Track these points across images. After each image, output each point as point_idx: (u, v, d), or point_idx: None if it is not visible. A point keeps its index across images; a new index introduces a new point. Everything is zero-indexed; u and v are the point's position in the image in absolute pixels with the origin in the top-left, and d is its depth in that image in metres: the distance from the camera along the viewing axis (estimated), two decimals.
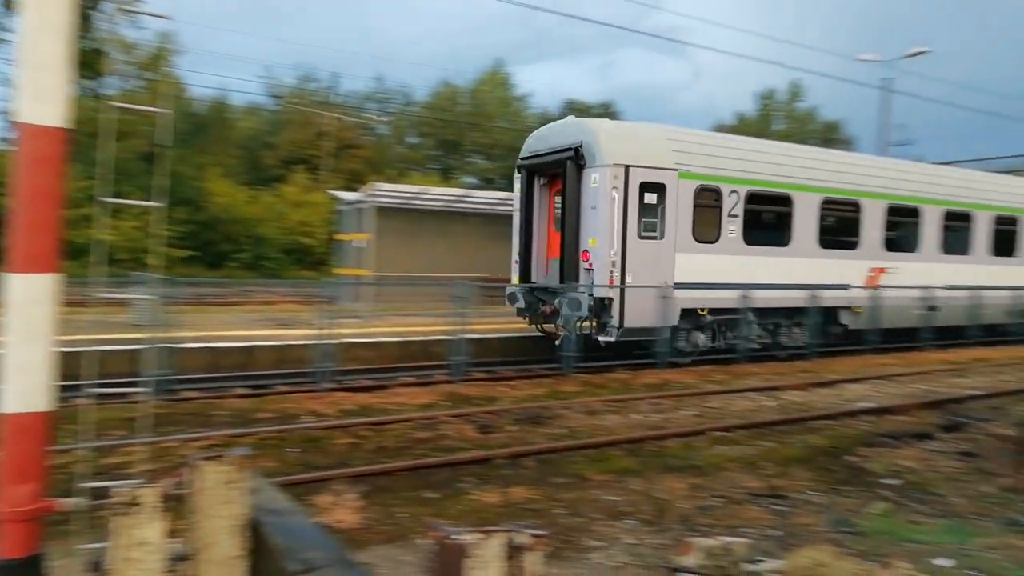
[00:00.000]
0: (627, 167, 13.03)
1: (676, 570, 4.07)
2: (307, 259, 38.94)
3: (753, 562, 4.81)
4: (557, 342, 13.62)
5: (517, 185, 15.04)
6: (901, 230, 17.46)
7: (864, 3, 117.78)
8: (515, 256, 15.08)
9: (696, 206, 13.97)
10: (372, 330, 14.96)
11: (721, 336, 14.86)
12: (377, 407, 10.14)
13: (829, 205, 16.02)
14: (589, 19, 72.84)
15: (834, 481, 8.00)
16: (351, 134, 46.64)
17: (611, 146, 13.17)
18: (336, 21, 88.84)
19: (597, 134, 13.31)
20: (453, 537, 1.27)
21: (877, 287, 16.69)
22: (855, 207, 16.46)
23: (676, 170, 13.63)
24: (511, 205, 22.19)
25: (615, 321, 13.05)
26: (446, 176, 52.38)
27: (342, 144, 44.28)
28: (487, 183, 53.35)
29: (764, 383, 12.68)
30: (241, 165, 45.25)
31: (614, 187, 12.90)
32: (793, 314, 15.64)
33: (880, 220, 16.82)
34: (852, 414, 10.56)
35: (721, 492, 7.24)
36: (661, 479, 7.38)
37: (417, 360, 13.80)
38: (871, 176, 17.06)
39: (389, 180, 38.04)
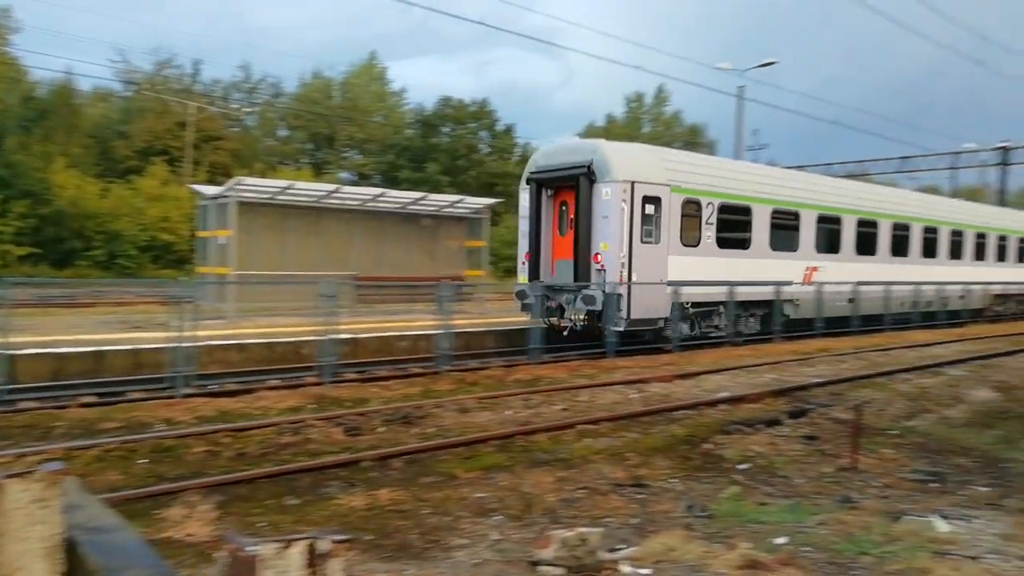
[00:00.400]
0: (633, 183, 15.07)
1: (535, 563, 4.13)
2: (167, 257, 36.70)
3: (611, 550, 4.96)
4: (565, 333, 15.73)
5: (525, 196, 16.60)
6: (827, 235, 20.16)
7: (723, 15, 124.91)
8: (522, 259, 16.82)
9: (683, 216, 16.19)
10: (237, 331, 14.29)
11: (698, 325, 16.98)
12: (239, 412, 9.68)
13: (777, 215, 18.47)
14: (464, 17, 73.14)
15: (692, 468, 8.40)
16: (215, 125, 44.38)
17: (620, 165, 15.13)
18: (201, 2, 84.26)
19: (607, 154, 15.27)
20: (247, 549, 1.19)
21: (811, 283, 19.42)
22: (795, 216, 19.06)
23: (668, 185, 15.79)
24: (386, 200, 21.99)
25: (624, 313, 15.10)
26: (319, 171, 50.90)
27: (204, 135, 42.06)
28: (362, 179, 52.38)
29: (631, 376, 13.15)
30: (91, 155, 41.96)
31: (623, 200, 14.89)
32: (750, 306, 18.00)
33: (813, 227, 19.52)
34: (710, 404, 11.13)
35: (587, 484, 7.42)
36: (529, 474, 7.48)
37: (286, 362, 13.31)
38: (806, 190, 19.75)
39: (258, 174, 36.51)
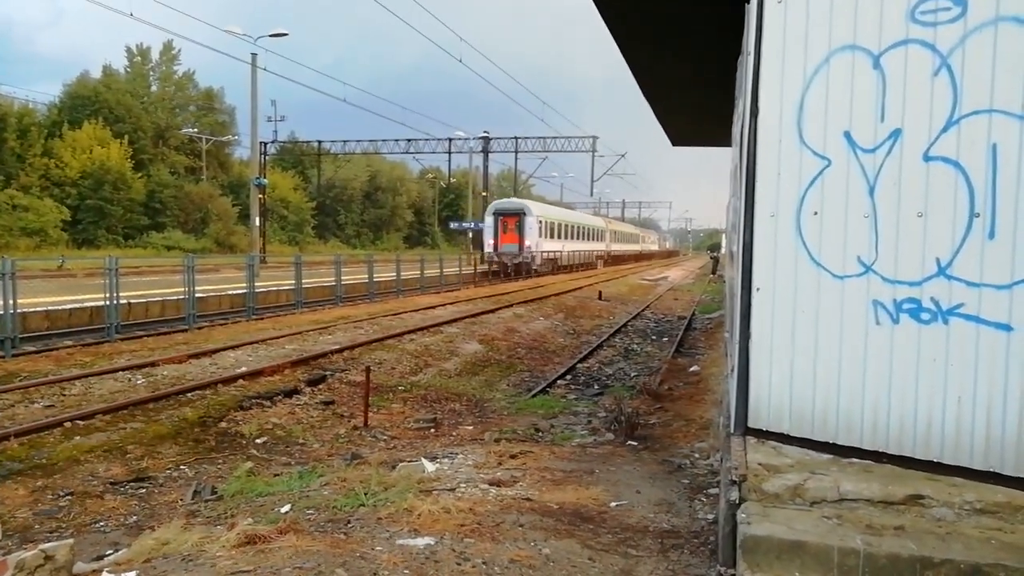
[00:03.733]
0: (537, 216, 40.08)
1: None
2: None
3: (98, 558, 4.32)
4: (509, 271, 37.66)
5: (491, 219, 39.60)
6: (573, 232, 49.12)
7: None
8: (489, 243, 39.27)
9: (548, 228, 42.44)
10: None
11: (551, 266, 42.49)
12: None
13: (563, 226, 46.42)
14: None
15: (205, 451, 7.93)
16: None
17: (533, 210, 40.61)
18: None
19: (528, 206, 41.08)
20: None
21: (566, 251, 46.57)
22: (566, 226, 47.48)
23: (544, 217, 42.21)
24: None
25: (534, 263, 39.23)
26: None
27: None
28: None
29: (137, 360, 11.83)
30: None
31: (535, 223, 39.46)
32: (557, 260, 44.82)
33: (574, 231, 49.46)
34: (227, 381, 10.65)
35: (74, 488, 6.40)
36: None
37: None
38: (569, 216, 51.84)
39: None
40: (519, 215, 39.21)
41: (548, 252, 41.95)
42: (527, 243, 38.80)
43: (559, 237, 44.92)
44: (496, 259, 38.26)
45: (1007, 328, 3.81)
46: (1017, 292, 3.79)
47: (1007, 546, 3.48)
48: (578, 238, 50.46)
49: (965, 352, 3.89)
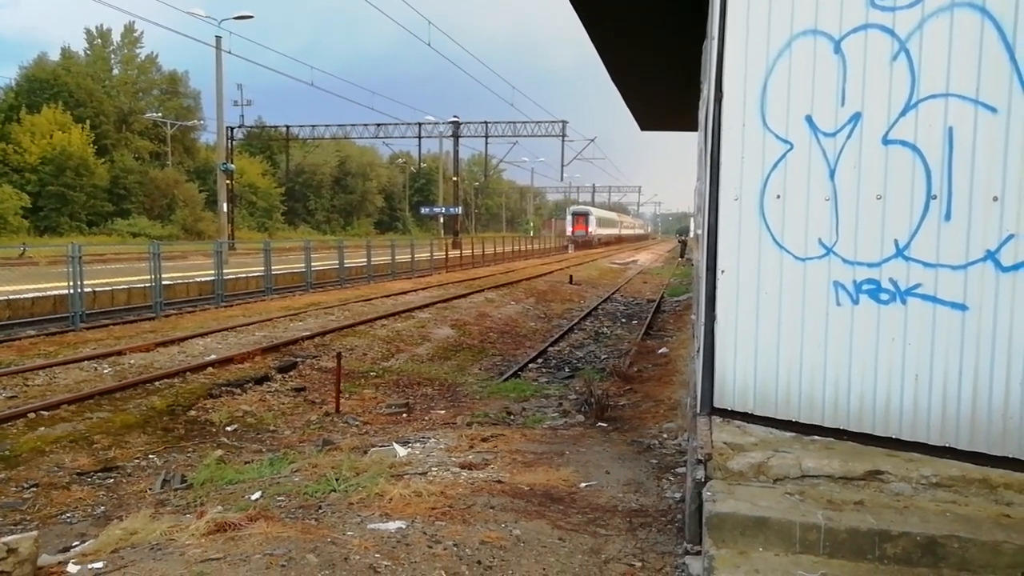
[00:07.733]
0: (595, 215, 78.79)
1: None
2: None
3: (64, 550, 4.28)
4: (580, 245, 70.58)
5: (570, 217, 76.00)
6: (608, 224, 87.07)
7: None
8: (568, 230, 73.70)
9: (601, 221, 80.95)
10: None
11: (598, 243, 77.23)
12: None
13: (607, 220, 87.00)
14: None
15: (174, 439, 7.86)
16: None
17: (593, 212, 79.55)
18: None
19: (591, 210, 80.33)
20: None
21: (605, 233, 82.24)
22: (607, 219, 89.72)
23: (598, 216, 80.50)
24: None
25: (593, 242, 74.07)
26: None
27: None
28: None
29: (103, 349, 11.65)
30: None
31: (594, 219, 76.67)
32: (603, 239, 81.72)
33: (608, 222, 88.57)
34: (196, 369, 10.55)
35: (39, 480, 6.31)
36: None
37: None
38: (608, 213, 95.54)
39: None
40: (586, 215, 73.68)
41: (599, 235, 74.75)
42: (590, 230, 71.94)
43: (603, 227, 78.24)
44: (572, 239, 68.34)
45: (962, 307, 3.92)
46: (972, 272, 3.89)
47: (961, 518, 3.60)
48: (610, 227, 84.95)
49: (922, 331, 4.00)
